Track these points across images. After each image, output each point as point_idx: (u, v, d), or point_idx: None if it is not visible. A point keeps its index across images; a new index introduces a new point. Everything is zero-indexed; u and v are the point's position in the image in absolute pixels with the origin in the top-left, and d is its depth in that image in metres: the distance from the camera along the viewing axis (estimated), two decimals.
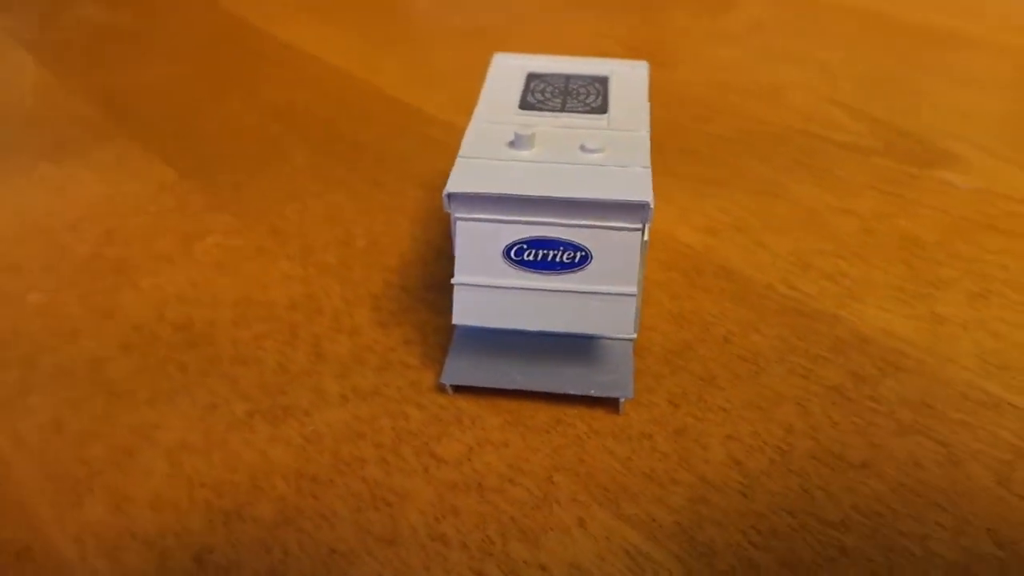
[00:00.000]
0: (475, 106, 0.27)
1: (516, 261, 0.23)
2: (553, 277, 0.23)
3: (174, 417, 0.25)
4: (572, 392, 0.24)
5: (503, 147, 0.24)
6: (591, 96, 0.27)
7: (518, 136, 0.24)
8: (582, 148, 0.24)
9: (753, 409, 0.25)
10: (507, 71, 0.29)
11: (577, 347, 0.26)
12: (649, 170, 0.23)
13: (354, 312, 0.28)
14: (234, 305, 0.29)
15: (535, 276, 0.23)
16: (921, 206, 0.34)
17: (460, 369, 0.25)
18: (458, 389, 0.25)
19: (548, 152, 0.24)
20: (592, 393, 0.24)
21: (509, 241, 0.23)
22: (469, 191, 0.22)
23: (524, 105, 0.27)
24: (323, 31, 0.52)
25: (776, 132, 0.40)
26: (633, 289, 0.23)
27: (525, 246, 0.23)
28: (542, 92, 0.28)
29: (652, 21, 0.53)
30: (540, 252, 0.23)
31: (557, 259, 0.23)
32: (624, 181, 0.23)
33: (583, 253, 0.23)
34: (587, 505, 0.22)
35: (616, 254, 0.23)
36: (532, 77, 0.29)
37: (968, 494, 0.22)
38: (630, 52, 0.48)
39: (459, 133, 0.40)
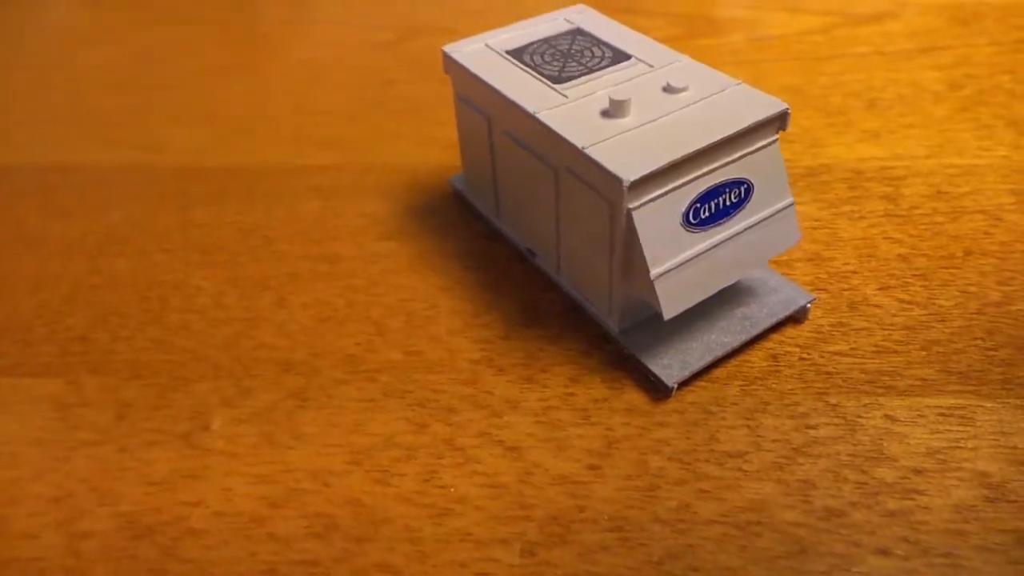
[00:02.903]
0: (497, 101, 0.23)
1: (695, 224, 0.21)
2: (730, 223, 0.22)
3: (443, 433, 0.18)
4: (771, 324, 0.24)
5: (603, 121, 0.22)
6: (596, 48, 0.25)
7: (614, 103, 0.22)
8: (666, 89, 0.23)
9: (865, 259, 0.27)
10: (479, 58, 0.25)
11: (730, 291, 0.25)
12: (744, 84, 0.23)
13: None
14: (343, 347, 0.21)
15: (716, 230, 0.22)
16: (761, 65, 0.39)
17: (672, 366, 0.23)
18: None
19: (648, 109, 0.22)
20: (785, 315, 0.24)
21: (684, 206, 0.21)
22: (646, 172, 0.20)
23: (555, 80, 0.24)
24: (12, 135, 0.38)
25: None
26: (791, 197, 0.23)
27: (699, 205, 0.21)
28: (550, 65, 0.25)
29: None
30: (712, 204, 0.21)
31: (727, 203, 0.22)
32: (746, 101, 0.22)
33: (746, 185, 0.22)
34: (874, 405, 0.22)
35: (769, 171, 0.22)
36: (514, 54, 0.25)
37: None
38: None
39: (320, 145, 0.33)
